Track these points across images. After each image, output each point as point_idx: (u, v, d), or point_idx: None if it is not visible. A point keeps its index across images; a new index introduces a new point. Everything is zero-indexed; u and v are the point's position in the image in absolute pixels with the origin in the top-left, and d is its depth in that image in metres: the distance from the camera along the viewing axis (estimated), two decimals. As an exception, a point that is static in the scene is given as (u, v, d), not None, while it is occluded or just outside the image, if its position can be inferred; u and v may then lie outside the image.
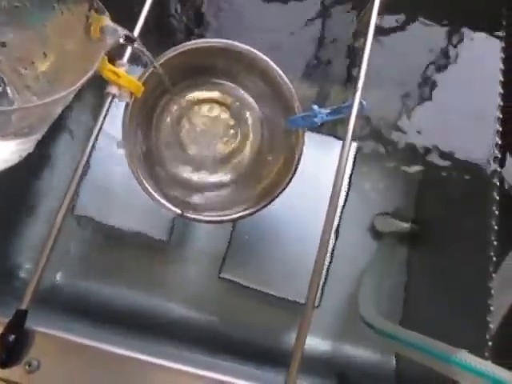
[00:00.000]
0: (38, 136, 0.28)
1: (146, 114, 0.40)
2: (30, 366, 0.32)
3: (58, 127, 0.63)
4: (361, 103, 0.35)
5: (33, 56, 0.29)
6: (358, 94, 0.35)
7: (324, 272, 0.51)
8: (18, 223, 0.59)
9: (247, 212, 0.37)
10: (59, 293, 0.57)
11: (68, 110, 0.64)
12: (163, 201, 0.36)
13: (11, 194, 0.58)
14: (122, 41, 0.29)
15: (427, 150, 0.62)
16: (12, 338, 0.31)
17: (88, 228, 0.59)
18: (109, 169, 0.53)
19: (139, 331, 0.52)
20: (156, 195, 0.36)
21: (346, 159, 0.33)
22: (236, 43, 0.39)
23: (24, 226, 0.59)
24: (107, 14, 0.27)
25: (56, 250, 0.55)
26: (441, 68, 0.60)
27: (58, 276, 0.58)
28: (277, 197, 0.37)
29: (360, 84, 0.35)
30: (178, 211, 0.36)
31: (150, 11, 0.39)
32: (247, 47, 0.39)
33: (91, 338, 0.36)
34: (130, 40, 0.30)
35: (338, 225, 0.54)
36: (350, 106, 0.35)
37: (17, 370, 0.32)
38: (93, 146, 0.35)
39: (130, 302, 0.57)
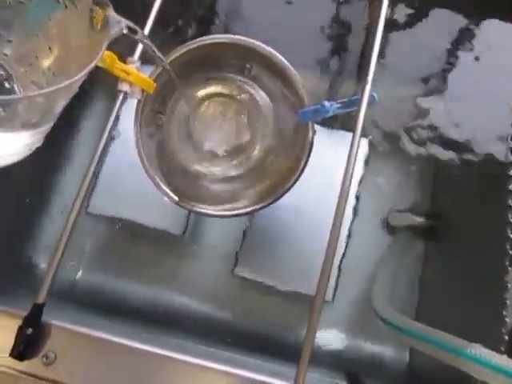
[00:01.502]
0: (46, 128, 0.29)
1: (158, 108, 0.40)
2: (47, 358, 0.33)
3: (74, 125, 0.64)
4: (372, 96, 0.35)
5: (38, 51, 0.29)
6: (368, 86, 0.35)
7: (337, 267, 0.51)
8: (37, 219, 0.60)
9: (255, 207, 0.37)
10: (76, 287, 0.58)
11: (82, 108, 0.65)
12: (164, 186, 0.37)
13: (30, 191, 0.59)
14: (125, 31, 0.29)
15: (443, 143, 0.61)
16: (29, 331, 0.31)
17: (104, 224, 0.60)
18: (123, 166, 0.54)
19: (153, 325, 0.52)
20: (158, 180, 0.37)
21: (356, 153, 0.33)
22: (247, 39, 0.39)
23: (43, 222, 0.61)
24: (110, 5, 0.28)
25: (73, 245, 0.56)
26: (457, 58, 0.59)
27: (75, 271, 0.59)
28: (286, 192, 0.37)
29: (370, 77, 0.35)
30: (175, 198, 0.37)
31: (160, 9, 0.40)
32: (258, 42, 0.39)
33: (107, 331, 0.36)
34: (133, 31, 0.30)
35: (352, 220, 0.54)
36: (360, 99, 0.34)
37: (34, 363, 0.33)
38: (105, 144, 0.35)
39: (144, 297, 0.57)
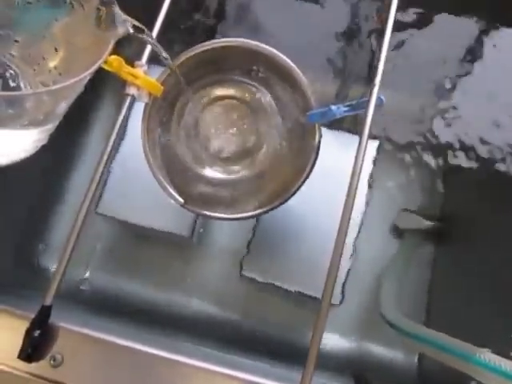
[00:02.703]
0: (53, 126, 0.29)
1: (165, 111, 0.40)
2: (54, 360, 0.33)
3: (84, 127, 0.65)
4: (379, 98, 0.35)
5: (44, 51, 0.29)
6: (376, 89, 0.34)
7: (345, 269, 0.51)
8: (47, 220, 0.61)
9: (261, 210, 0.37)
10: (84, 289, 0.58)
11: (93, 110, 0.66)
12: (169, 188, 0.37)
13: (41, 193, 0.60)
14: (131, 31, 0.29)
15: (454, 144, 0.61)
16: (37, 333, 0.32)
17: (112, 226, 0.60)
18: (132, 168, 0.54)
19: (161, 327, 0.53)
20: (164, 182, 0.37)
21: (364, 155, 0.33)
22: (254, 42, 0.39)
23: (54, 224, 0.61)
24: (117, 5, 0.28)
25: (82, 247, 0.56)
26: (469, 61, 0.59)
27: (84, 273, 0.59)
28: (292, 195, 0.37)
29: (377, 79, 0.35)
30: (181, 200, 0.37)
31: (168, 11, 0.40)
32: (265, 45, 0.39)
33: (114, 333, 0.36)
34: (139, 31, 0.30)
35: (361, 222, 0.53)
36: (368, 102, 0.34)
37: (42, 365, 0.33)
38: (113, 146, 0.36)
39: (152, 299, 0.58)
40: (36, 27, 0.29)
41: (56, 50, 0.29)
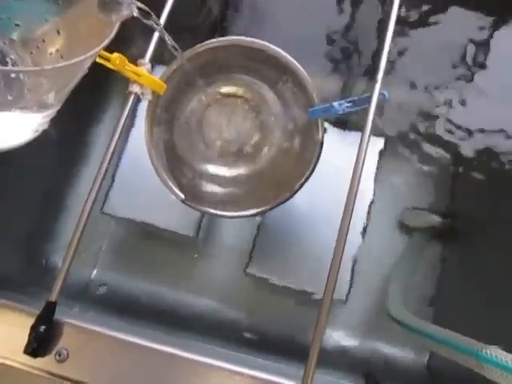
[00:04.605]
0: (53, 111, 0.29)
1: (169, 109, 0.41)
2: (59, 355, 0.34)
3: (91, 126, 0.65)
4: (382, 94, 0.35)
5: (46, 34, 0.29)
6: (378, 85, 0.34)
7: (350, 267, 0.51)
8: (56, 220, 0.61)
9: (265, 208, 0.37)
10: (91, 287, 0.59)
11: (101, 109, 0.66)
12: (171, 184, 0.38)
13: (49, 193, 0.61)
14: (135, 14, 0.28)
15: (462, 141, 0.60)
16: (42, 328, 0.32)
17: (119, 225, 0.61)
18: (138, 167, 0.55)
19: (166, 324, 0.53)
20: (166, 178, 0.38)
21: (365, 151, 0.32)
22: (257, 40, 0.39)
23: (62, 223, 0.62)
24: None
25: (89, 246, 0.57)
26: (477, 56, 0.58)
27: (91, 271, 0.60)
28: (296, 191, 0.37)
29: (380, 75, 0.35)
30: (181, 195, 0.37)
31: (172, 10, 0.40)
32: (268, 44, 0.39)
33: (119, 330, 0.37)
34: (145, 15, 0.29)
35: (367, 220, 0.53)
36: (370, 98, 0.34)
37: (47, 360, 0.33)
38: (116, 143, 0.36)
39: (157, 296, 0.58)
40: (38, 11, 0.29)
41: (58, 32, 0.29)
